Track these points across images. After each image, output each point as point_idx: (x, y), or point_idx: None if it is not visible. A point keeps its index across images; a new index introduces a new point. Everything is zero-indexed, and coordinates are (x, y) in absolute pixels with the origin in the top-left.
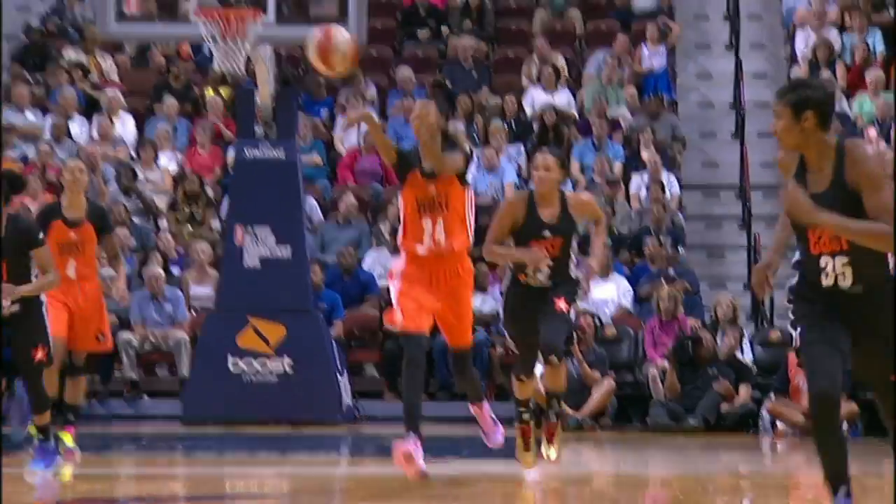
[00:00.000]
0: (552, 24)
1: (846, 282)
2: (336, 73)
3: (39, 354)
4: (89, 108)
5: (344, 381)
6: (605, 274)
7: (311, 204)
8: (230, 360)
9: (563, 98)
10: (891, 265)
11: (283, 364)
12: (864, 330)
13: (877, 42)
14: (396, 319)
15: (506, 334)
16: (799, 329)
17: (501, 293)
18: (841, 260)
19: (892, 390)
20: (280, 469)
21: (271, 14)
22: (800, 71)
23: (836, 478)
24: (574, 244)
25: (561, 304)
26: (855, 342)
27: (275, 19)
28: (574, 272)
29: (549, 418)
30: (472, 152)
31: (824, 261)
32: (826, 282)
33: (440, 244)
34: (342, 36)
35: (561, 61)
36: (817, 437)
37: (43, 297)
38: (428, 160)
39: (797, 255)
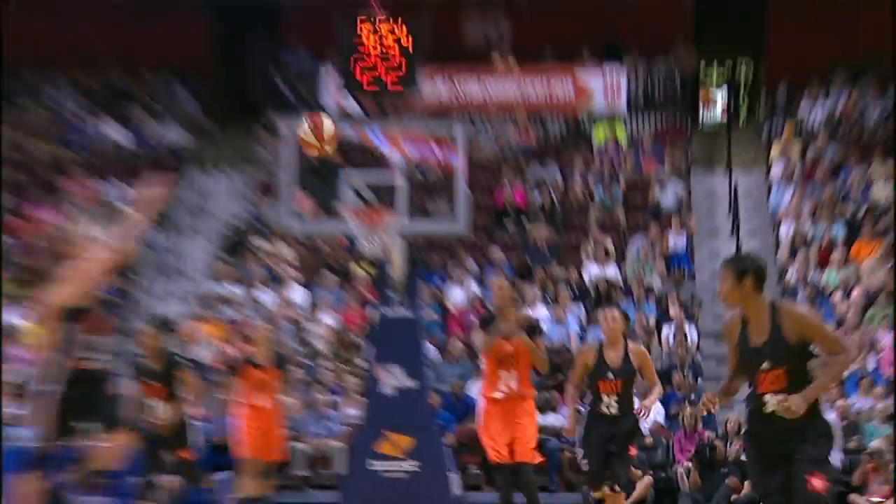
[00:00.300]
0: (603, 217)
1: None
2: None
3: (186, 455)
4: (272, 280)
5: (454, 477)
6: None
7: (430, 348)
8: (373, 462)
9: (611, 271)
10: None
11: (412, 465)
12: (790, 450)
13: (839, 230)
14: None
15: (578, 449)
16: (749, 468)
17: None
18: (778, 396)
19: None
20: None
21: (401, 212)
22: (783, 252)
23: None
24: (637, 381)
25: (633, 450)
26: (788, 461)
27: (403, 216)
28: (637, 405)
29: None
30: (539, 325)
31: (767, 397)
32: (767, 409)
33: (513, 391)
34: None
35: (610, 244)
36: None
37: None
38: (505, 324)
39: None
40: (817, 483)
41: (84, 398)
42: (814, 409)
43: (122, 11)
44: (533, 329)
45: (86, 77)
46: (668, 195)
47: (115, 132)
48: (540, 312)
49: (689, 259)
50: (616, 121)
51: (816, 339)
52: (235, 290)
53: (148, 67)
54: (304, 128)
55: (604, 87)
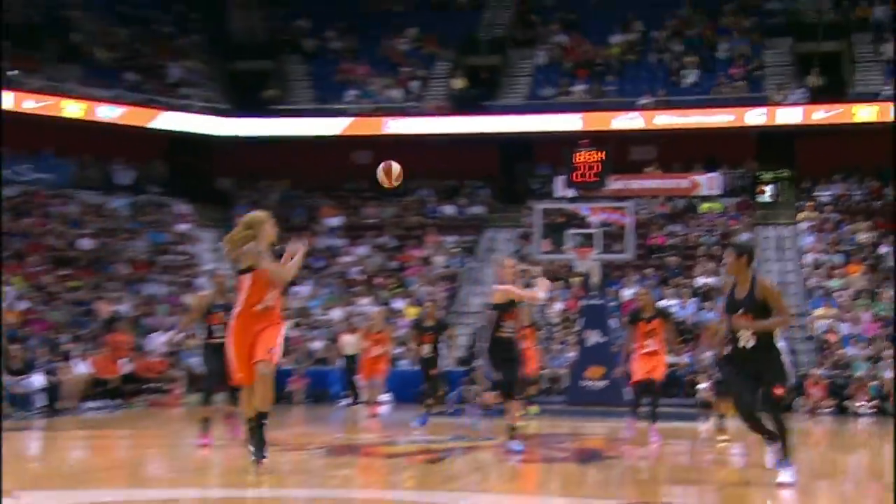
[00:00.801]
0: (707, 251)
1: (749, 343)
2: (392, 185)
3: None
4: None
5: (627, 389)
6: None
7: (612, 321)
8: (583, 381)
9: (711, 280)
10: (775, 336)
11: (603, 383)
12: (756, 367)
13: (839, 258)
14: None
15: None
16: (725, 375)
17: (691, 355)
18: (748, 332)
19: (770, 401)
20: (601, 422)
21: (597, 248)
22: (808, 270)
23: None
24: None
25: (778, 391)
26: (754, 376)
27: (599, 251)
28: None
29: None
30: (670, 311)
31: (740, 333)
32: (740, 343)
33: (651, 347)
34: (397, 168)
35: (711, 266)
36: (745, 421)
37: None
38: (647, 312)
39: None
40: (778, 391)
41: (499, 354)
42: (770, 343)
43: (443, 146)
44: (667, 314)
45: (431, 181)
46: (743, 240)
47: (447, 209)
48: (672, 303)
49: None
50: (714, 200)
51: (771, 303)
52: None
53: (462, 178)
54: (381, 169)
55: (707, 182)
